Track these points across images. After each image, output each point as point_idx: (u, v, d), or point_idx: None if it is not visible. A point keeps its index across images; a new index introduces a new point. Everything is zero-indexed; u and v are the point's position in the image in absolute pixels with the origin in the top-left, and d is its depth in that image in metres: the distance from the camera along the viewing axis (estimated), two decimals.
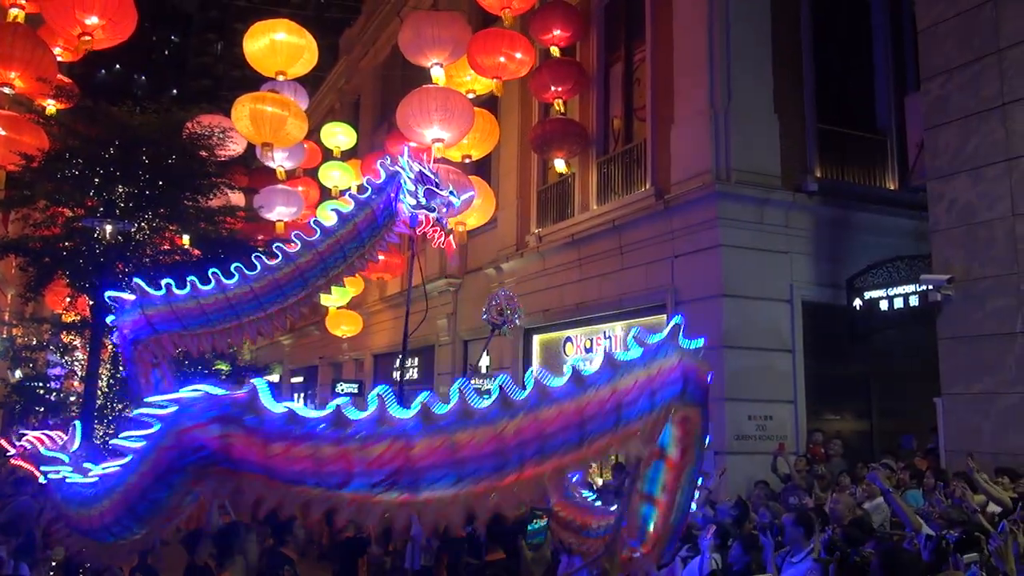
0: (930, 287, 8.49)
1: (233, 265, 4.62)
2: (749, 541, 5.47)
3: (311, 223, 4.78)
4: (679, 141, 10.41)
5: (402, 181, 4.56)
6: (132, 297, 4.61)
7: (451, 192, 4.70)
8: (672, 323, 3.05)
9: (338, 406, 2.81)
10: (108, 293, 4.76)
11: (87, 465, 3.33)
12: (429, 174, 4.61)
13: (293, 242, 4.68)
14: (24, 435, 4.06)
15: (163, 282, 4.60)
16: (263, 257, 4.63)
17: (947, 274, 8.38)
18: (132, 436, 3.05)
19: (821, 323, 10.03)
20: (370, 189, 4.64)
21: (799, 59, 10.61)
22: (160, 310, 4.53)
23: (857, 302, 9.88)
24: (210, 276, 4.57)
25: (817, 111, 10.63)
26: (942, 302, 8.44)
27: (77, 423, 3.92)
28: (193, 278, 4.57)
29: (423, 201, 4.58)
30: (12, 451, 4.10)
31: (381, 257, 5.03)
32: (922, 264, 9.05)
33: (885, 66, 11.37)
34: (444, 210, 4.64)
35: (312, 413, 2.84)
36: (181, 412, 2.93)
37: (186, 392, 2.96)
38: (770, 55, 10.24)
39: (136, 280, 4.66)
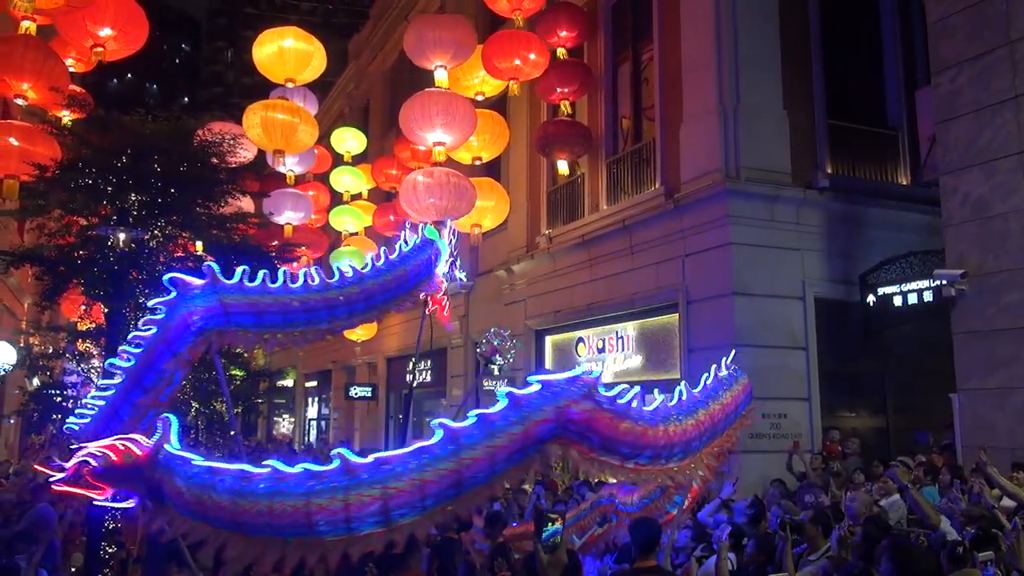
0: (944, 282, 8.44)
1: (313, 269, 4.52)
2: (764, 540, 5.44)
3: (369, 258, 4.79)
4: (688, 140, 10.39)
5: (442, 249, 5.16)
6: (201, 282, 4.11)
7: (460, 268, 5.40)
8: (733, 353, 4.92)
9: (662, 403, 3.80)
10: (170, 275, 4.14)
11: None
12: (453, 249, 5.23)
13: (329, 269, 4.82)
14: (81, 449, 3.31)
15: (239, 269, 4.20)
16: (322, 272, 4.48)
17: (961, 269, 8.32)
18: (479, 412, 3.21)
19: (834, 320, 9.97)
20: (411, 245, 4.96)
21: (808, 55, 10.57)
22: (238, 300, 4.14)
23: (870, 298, 9.82)
24: (283, 276, 4.29)
25: (827, 107, 10.58)
26: (956, 297, 8.38)
27: (172, 417, 3.35)
28: (265, 271, 4.29)
29: (446, 271, 5.19)
30: (56, 476, 3.41)
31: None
32: (935, 259, 8.99)
33: (895, 60, 11.30)
34: (447, 283, 5.24)
35: (625, 399, 3.46)
36: (563, 388, 3.28)
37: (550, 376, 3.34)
38: (779, 52, 10.20)
39: (209, 264, 4.17)
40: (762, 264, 9.62)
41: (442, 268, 5.19)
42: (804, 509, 6.49)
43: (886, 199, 10.47)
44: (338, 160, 17.74)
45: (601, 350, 12.19)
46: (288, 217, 15.09)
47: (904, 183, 10.97)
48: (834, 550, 5.44)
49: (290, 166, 15.06)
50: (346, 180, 17.59)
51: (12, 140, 9.75)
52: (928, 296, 9.10)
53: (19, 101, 9.62)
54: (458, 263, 5.37)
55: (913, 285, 9.29)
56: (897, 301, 9.47)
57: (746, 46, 9.98)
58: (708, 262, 9.88)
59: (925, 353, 9.67)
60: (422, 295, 5.24)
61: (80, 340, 10.37)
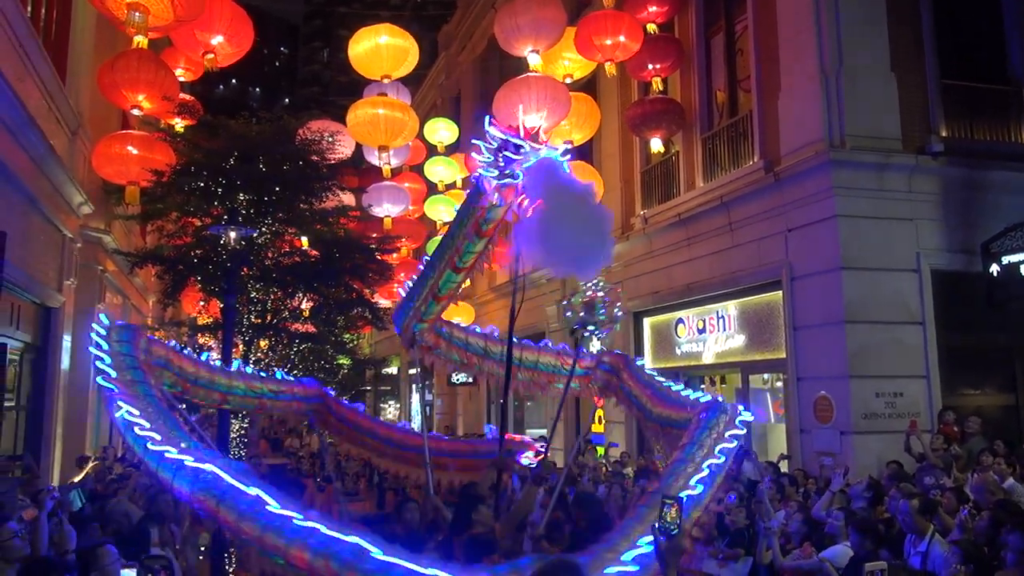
0: None
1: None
2: (863, 525, 5.22)
3: None
4: (788, 110, 9.98)
5: (481, 155, 4.30)
6: None
7: (530, 150, 4.18)
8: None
9: None
10: None
11: None
12: (508, 138, 4.26)
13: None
14: None
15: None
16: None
17: None
18: None
19: (954, 292, 9.39)
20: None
21: (917, 9, 9.91)
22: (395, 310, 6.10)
23: (994, 268, 9.18)
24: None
25: (940, 65, 9.90)
26: None
27: None
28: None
29: (506, 171, 4.21)
30: None
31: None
32: None
33: (1016, 10, 10.44)
34: (521, 173, 4.19)
35: None
36: None
37: None
38: (884, 7, 9.61)
39: None
40: (872, 236, 9.15)
41: (492, 175, 4.26)
42: (924, 491, 6.18)
43: (1009, 161, 9.73)
44: (432, 151, 18.02)
45: (702, 331, 11.94)
46: (387, 210, 15.46)
47: None
48: (958, 535, 5.17)
49: (386, 160, 15.41)
50: (440, 170, 17.87)
51: (131, 149, 10.39)
52: None
53: (135, 112, 10.23)
54: (520, 152, 4.20)
55: None
56: None
57: (848, 4, 9.45)
58: (813, 236, 9.49)
59: None
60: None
61: (200, 334, 11.04)
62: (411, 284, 5.50)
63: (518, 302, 5.25)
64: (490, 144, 4.28)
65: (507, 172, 4.18)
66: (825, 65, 9.41)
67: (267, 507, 3.33)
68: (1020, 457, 7.46)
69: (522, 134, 4.34)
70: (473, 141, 4.45)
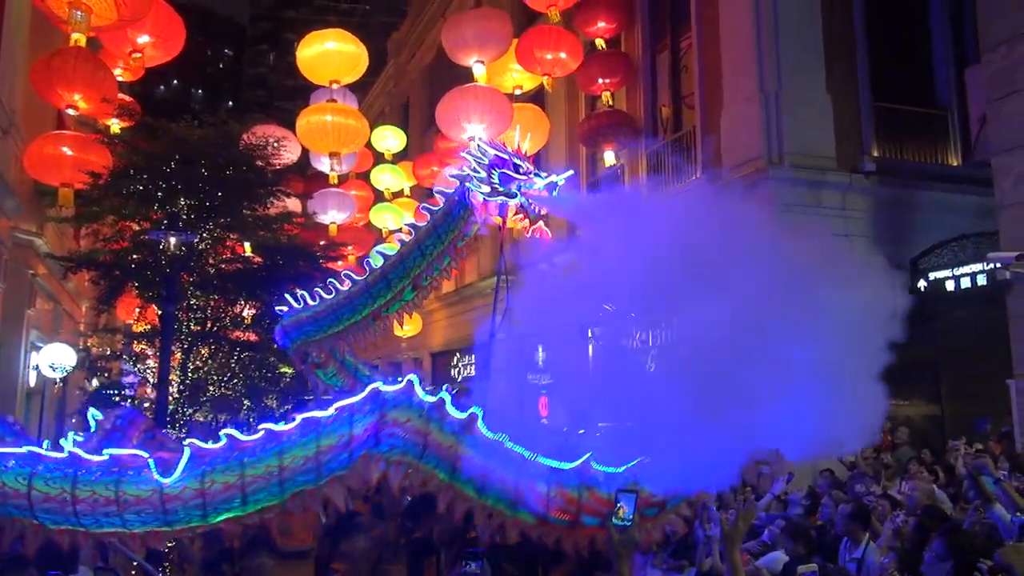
0: (998, 265, 8.19)
1: (328, 280, 4.75)
2: (796, 531, 5.36)
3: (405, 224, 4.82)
4: (729, 127, 10.25)
5: (471, 170, 4.24)
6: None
7: (533, 173, 4.23)
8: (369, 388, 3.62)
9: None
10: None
11: None
12: (506, 157, 4.26)
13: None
14: None
15: (299, 293, 4.83)
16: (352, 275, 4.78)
17: (1016, 251, 8.05)
18: None
19: None
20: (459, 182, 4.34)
21: (852, 35, 10.33)
22: (291, 321, 4.92)
23: (921, 283, 9.58)
24: (320, 288, 4.74)
25: (872, 89, 10.33)
26: (1012, 280, 8.12)
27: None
28: (319, 288, 4.73)
29: (500, 188, 4.21)
30: None
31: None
32: (989, 242, 8.73)
33: (943, 38, 10.97)
34: (518, 193, 4.21)
35: None
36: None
37: None
38: (821, 33, 9.99)
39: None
40: None
41: (484, 191, 4.24)
42: (855, 499, 6.39)
43: (936, 181, 10.19)
44: (379, 158, 17.91)
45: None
46: (332, 216, 15.30)
47: (955, 164, 10.67)
48: (889, 540, 5.36)
49: (332, 166, 15.26)
50: (387, 178, 17.76)
51: (66, 149, 10.07)
52: (982, 280, 8.84)
53: (70, 112, 9.92)
54: (520, 172, 4.25)
55: (966, 269, 9.04)
56: (949, 286, 9.23)
57: (787, 29, 9.79)
58: None
59: (981, 338, 9.38)
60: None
61: (136, 341, 10.72)
62: (327, 300, 4.70)
63: (485, 307, 5.03)
64: (480, 158, 4.24)
65: (502, 190, 4.19)
66: (765, 85, 9.71)
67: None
68: (943, 466, 7.77)
69: (513, 150, 4.26)
70: (461, 154, 4.44)
